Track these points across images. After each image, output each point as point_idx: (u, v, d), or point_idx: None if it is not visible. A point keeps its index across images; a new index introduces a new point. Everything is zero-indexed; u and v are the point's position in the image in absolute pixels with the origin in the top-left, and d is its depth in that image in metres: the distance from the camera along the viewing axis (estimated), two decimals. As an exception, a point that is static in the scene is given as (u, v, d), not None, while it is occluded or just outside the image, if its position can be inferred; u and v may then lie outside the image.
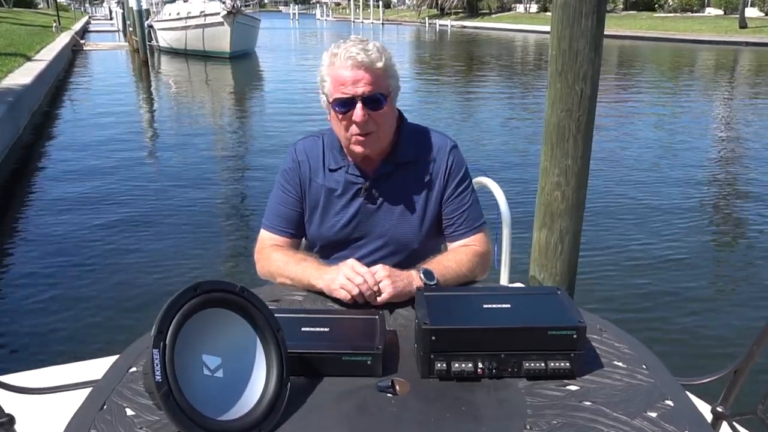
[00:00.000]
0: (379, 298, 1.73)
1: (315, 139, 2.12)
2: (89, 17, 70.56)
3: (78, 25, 44.65)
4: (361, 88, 1.86)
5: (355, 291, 1.71)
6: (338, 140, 2.04)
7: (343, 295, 1.73)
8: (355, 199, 2.04)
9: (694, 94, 18.09)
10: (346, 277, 1.73)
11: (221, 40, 28.80)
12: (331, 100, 1.92)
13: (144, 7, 28.18)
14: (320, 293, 1.83)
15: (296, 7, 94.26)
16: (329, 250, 2.11)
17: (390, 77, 1.94)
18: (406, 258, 2.00)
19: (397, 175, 2.04)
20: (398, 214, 2.05)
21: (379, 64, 1.89)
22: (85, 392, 1.41)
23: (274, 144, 10.97)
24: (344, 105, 1.89)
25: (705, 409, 1.76)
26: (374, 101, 1.89)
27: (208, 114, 14.98)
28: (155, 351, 1.17)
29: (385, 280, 1.73)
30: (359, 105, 1.87)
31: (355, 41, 1.91)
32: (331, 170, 2.06)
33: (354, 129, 1.91)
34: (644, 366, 1.49)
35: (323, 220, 2.08)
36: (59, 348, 4.37)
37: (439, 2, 75.45)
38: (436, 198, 2.06)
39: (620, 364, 1.50)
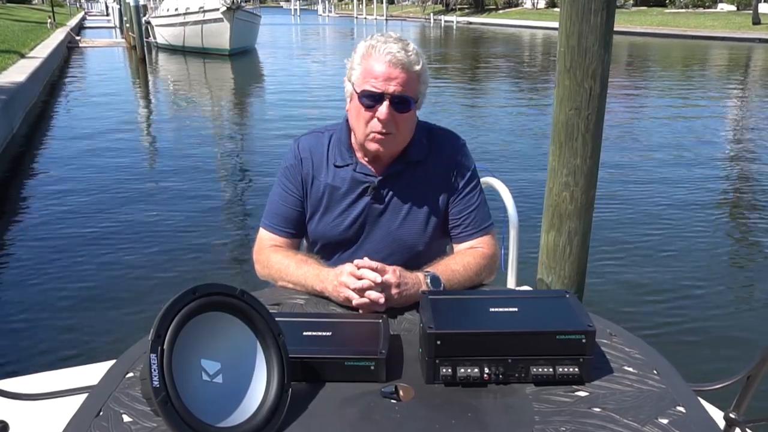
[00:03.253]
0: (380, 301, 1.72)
1: (319, 135, 2.11)
2: (85, 13, 70.61)
3: (73, 22, 44.71)
4: (393, 87, 1.86)
5: (364, 300, 1.70)
6: (347, 137, 2.04)
7: (347, 297, 1.72)
8: (362, 198, 2.03)
9: (707, 92, 18.05)
10: (349, 287, 1.72)
11: (220, 36, 28.79)
12: (359, 90, 1.91)
13: (141, 2, 28.17)
14: (323, 297, 1.83)
15: (297, 2, 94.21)
16: (331, 250, 2.10)
17: (422, 83, 1.94)
18: (410, 259, 1.98)
19: (406, 174, 2.03)
20: (404, 214, 2.04)
21: (417, 68, 1.89)
22: (81, 398, 1.41)
23: (275, 143, 10.98)
24: (371, 99, 1.88)
25: (717, 415, 1.75)
26: (402, 103, 1.89)
27: (207, 113, 14.99)
28: (153, 356, 1.17)
29: (393, 288, 1.72)
30: (386, 103, 1.87)
31: (396, 38, 1.91)
32: (336, 166, 2.05)
33: (375, 125, 1.90)
34: (655, 371, 1.48)
35: (326, 219, 2.07)
36: (54, 353, 4.37)
37: (444, -3, 75.57)
38: (443, 198, 2.06)
39: (630, 369, 1.49)
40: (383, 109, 1.87)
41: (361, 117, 1.93)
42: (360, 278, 1.71)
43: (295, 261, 1.95)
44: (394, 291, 1.72)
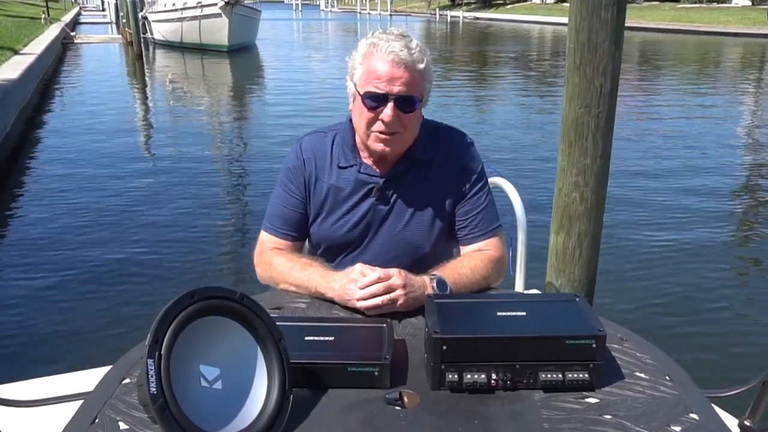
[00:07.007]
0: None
1: (322, 135, 2.11)
2: (80, 8, 70.97)
3: (68, 17, 44.88)
4: (397, 87, 1.85)
5: (377, 301, 1.71)
6: (351, 137, 2.03)
7: (363, 306, 1.72)
8: (366, 200, 2.03)
9: (721, 90, 18.02)
10: (361, 288, 1.72)
11: (219, 32, 28.79)
12: (362, 92, 1.90)
13: (137, -3, 28.26)
14: (326, 300, 1.83)
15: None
16: (335, 253, 2.10)
17: (426, 81, 1.93)
18: (415, 262, 1.97)
19: (411, 174, 2.03)
20: (410, 215, 2.04)
21: (421, 66, 1.88)
22: (76, 405, 1.41)
23: (274, 142, 10.99)
24: (375, 100, 1.87)
25: (732, 422, 1.75)
26: (407, 103, 1.88)
27: (206, 111, 15.01)
28: (150, 361, 1.17)
29: (399, 290, 1.72)
30: (391, 104, 1.86)
31: (398, 35, 1.89)
32: (340, 167, 2.04)
33: (379, 126, 1.90)
34: (668, 377, 1.48)
35: (330, 220, 2.06)
36: (49, 358, 4.37)
37: (451, -8, 75.62)
38: (450, 198, 2.05)
39: (642, 375, 1.49)
40: (388, 110, 1.86)
41: (364, 118, 1.92)
42: (370, 283, 1.72)
43: (299, 263, 1.95)
44: (400, 292, 1.72)
